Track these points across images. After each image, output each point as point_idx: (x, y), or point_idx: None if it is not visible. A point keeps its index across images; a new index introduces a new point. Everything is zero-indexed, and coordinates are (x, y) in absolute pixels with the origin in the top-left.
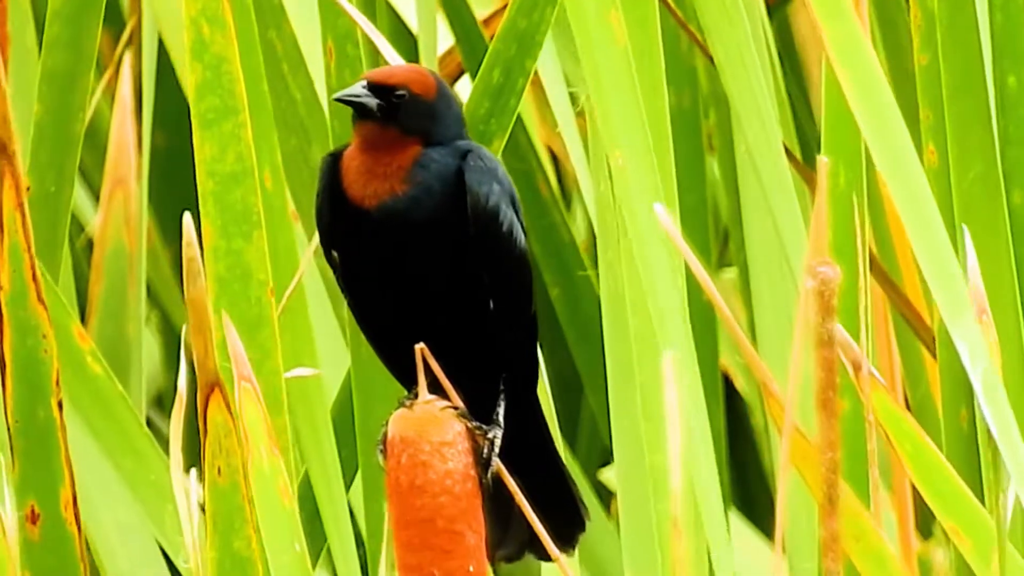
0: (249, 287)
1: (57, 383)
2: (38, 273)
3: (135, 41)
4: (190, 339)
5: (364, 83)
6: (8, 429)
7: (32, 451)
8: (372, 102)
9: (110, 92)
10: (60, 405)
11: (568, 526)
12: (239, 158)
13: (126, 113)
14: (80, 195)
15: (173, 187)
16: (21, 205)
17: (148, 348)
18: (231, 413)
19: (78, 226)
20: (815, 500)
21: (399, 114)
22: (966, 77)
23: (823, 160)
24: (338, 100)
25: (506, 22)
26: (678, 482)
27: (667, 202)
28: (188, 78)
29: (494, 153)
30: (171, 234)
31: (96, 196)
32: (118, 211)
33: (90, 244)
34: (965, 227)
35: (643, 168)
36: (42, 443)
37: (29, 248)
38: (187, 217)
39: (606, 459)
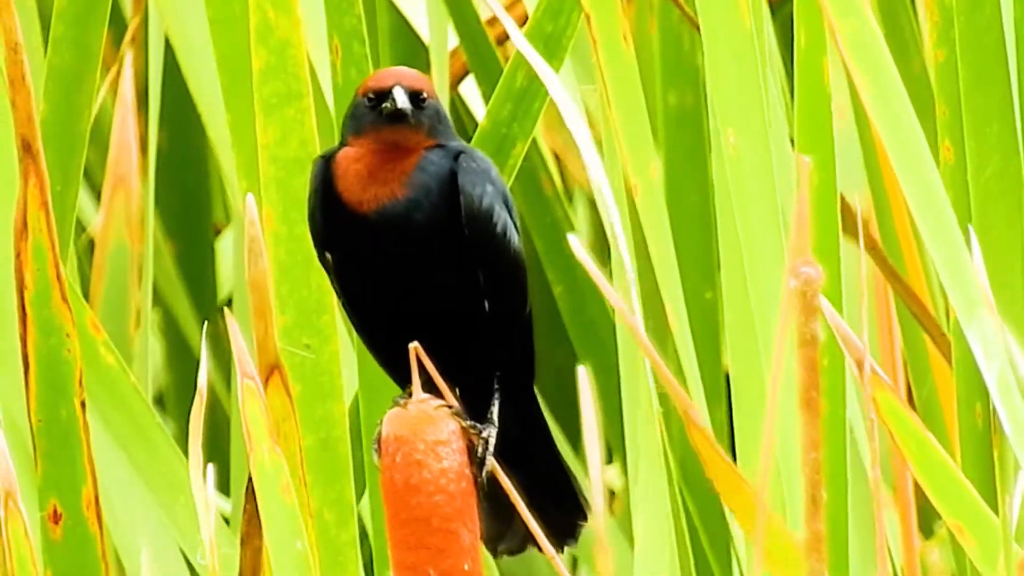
0: (310, 273)
1: (80, 383)
2: (62, 272)
3: (137, 40)
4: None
5: (401, 88)
6: (31, 428)
7: (54, 451)
8: (409, 107)
9: (113, 91)
10: (83, 405)
11: (570, 518)
12: (302, 143)
13: (128, 112)
14: (81, 194)
15: (175, 185)
16: (45, 204)
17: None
18: (290, 396)
19: (79, 226)
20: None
21: (423, 118)
22: (984, 72)
23: (804, 159)
24: (399, 112)
25: (532, 25)
26: (599, 497)
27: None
28: (253, 63)
29: (516, 156)
30: (174, 232)
31: (97, 195)
32: (119, 210)
33: (90, 244)
34: (971, 227)
35: (756, 147)
36: (64, 443)
37: (53, 247)
38: (250, 197)
39: (608, 457)
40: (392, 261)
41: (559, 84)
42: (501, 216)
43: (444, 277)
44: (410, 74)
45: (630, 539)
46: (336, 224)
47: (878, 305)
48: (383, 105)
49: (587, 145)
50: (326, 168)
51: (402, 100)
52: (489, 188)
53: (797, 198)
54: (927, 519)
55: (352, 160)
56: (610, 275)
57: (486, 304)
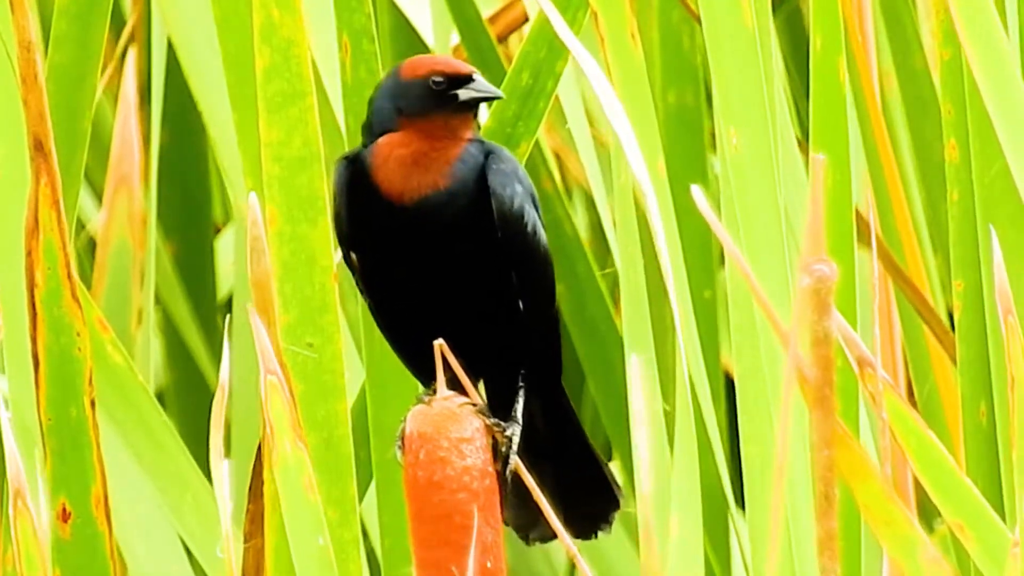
0: (313, 272)
1: (90, 381)
2: (73, 271)
3: (138, 39)
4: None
5: (476, 73)
6: (41, 427)
7: (64, 449)
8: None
9: (110, 89)
10: (93, 404)
11: (603, 506)
12: (306, 143)
13: (130, 111)
14: (80, 193)
15: (174, 184)
16: (57, 203)
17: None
18: (292, 396)
19: (79, 224)
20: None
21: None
22: (990, 71)
23: (818, 157)
24: (487, 100)
25: (536, 24)
26: (648, 486)
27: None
28: (256, 62)
29: (521, 156)
30: (173, 231)
31: (97, 194)
32: (121, 209)
33: (91, 243)
34: (992, 227)
35: (758, 146)
36: (74, 441)
37: (64, 246)
38: (253, 196)
39: (608, 455)
40: (423, 256)
41: (584, 50)
42: (531, 216)
43: (475, 274)
44: (459, 61)
45: (630, 537)
46: (367, 221)
47: (879, 301)
48: (468, 91)
49: (622, 124)
50: (353, 167)
51: (494, 89)
52: (519, 188)
53: (811, 196)
54: (927, 517)
55: (396, 145)
56: (614, 275)
57: (520, 303)
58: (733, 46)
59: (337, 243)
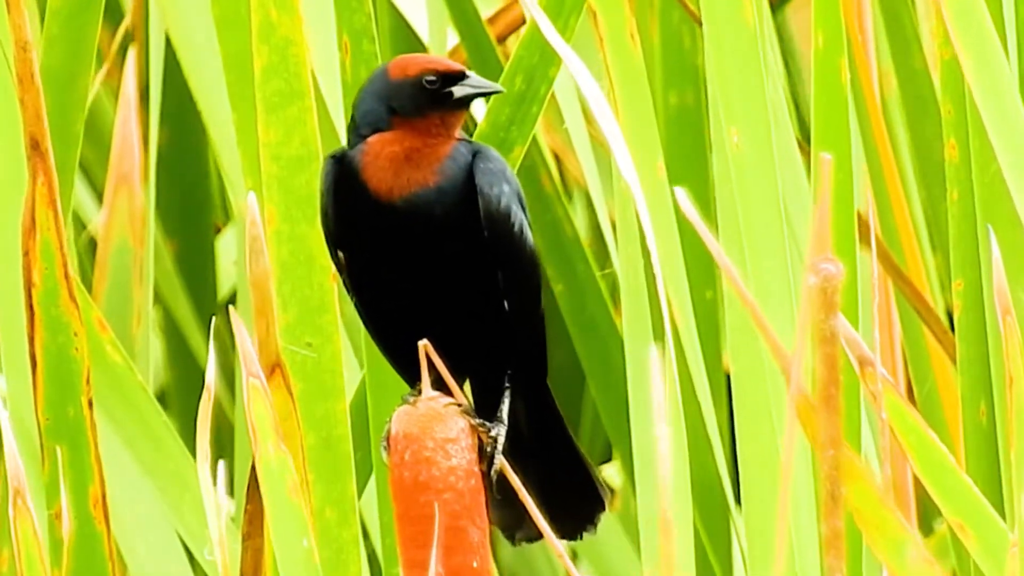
0: (312, 272)
1: (87, 381)
2: (70, 271)
3: (137, 38)
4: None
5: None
6: (39, 427)
7: (62, 449)
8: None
9: (110, 88)
10: (90, 403)
11: (589, 507)
12: (304, 142)
13: (130, 110)
14: (81, 193)
15: (174, 183)
16: (54, 203)
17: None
18: (291, 395)
19: (80, 224)
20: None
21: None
22: (989, 71)
23: (825, 157)
24: (482, 96)
25: (530, 29)
26: (667, 477)
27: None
28: (255, 61)
29: (515, 160)
30: (173, 230)
31: (97, 193)
32: (122, 208)
33: (91, 242)
34: (990, 226)
35: (759, 146)
36: (72, 441)
37: (61, 246)
38: (251, 196)
39: (608, 455)
40: (410, 254)
41: (578, 60)
42: (518, 216)
43: (460, 273)
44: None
45: (629, 534)
46: (354, 219)
47: (879, 301)
48: (464, 88)
49: (612, 128)
50: (340, 165)
51: (490, 83)
52: (506, 188)
53: (818, 195)
54: (928, 516)
55: (389, 142)
56: (614, 275)
57: (505, 303)
58: (733, 46)
59: (325, 241)
